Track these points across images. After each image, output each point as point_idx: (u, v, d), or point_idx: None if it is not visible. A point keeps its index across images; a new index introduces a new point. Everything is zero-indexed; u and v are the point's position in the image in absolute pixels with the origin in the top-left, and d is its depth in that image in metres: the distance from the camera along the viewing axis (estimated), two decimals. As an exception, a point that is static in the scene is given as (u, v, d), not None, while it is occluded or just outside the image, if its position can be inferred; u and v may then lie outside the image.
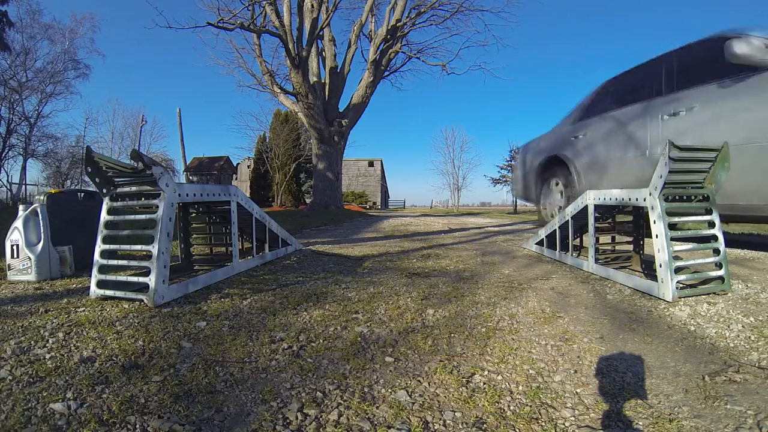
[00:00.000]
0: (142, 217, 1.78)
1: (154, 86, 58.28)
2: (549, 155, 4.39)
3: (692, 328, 1.47)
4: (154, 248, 1.64)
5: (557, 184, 4.27)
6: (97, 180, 1.76)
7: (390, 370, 1.17)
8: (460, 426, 0.91)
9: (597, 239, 2.35)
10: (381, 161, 34.68)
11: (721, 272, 1.81)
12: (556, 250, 2.76)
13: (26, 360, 1.14)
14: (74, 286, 1.98)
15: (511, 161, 32.41)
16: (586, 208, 2.32)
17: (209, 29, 8.55)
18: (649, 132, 3.15)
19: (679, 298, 1.73)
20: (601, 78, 4.57)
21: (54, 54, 19.57)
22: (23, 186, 19.28)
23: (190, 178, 28.98)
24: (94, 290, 1.72)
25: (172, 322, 1.48)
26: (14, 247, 2.07)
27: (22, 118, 18.87)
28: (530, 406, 0.99)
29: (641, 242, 2.43)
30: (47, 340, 1.27)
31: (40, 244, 2.09)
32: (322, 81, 10.95)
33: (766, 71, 2.39)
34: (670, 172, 1.71)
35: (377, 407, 0.98)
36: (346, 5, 11.96)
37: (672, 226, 1.77)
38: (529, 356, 1.28)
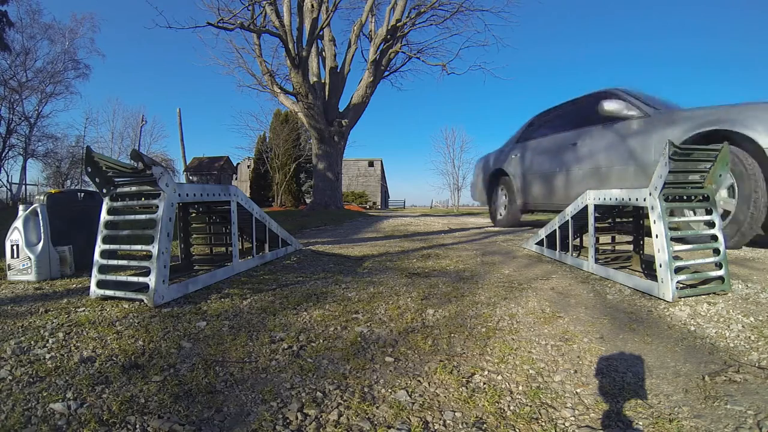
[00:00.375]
0: (142, 217, 1.78)
1: (154, 86, 58.13)
2: (496, 168, 5.66)
3: (692, 328, 1.47)
4: (154, 248, 1.64)
5: (502, 190, 5.64)
6: (97, 180, 1.76)
7: (390, 370, 1.17)
8: (460, 426, 0.91)
9: (597, 239, 2.35)
10: (381, 161, 34.71)
11: (721, 272, 1.81)
12: (556, 250, 2.77)
13: (26, 360, 1.14)
14: (74, 286, 1.98)
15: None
16: (586, 208, 2.32)
17: (209, 29, 8.56)
18: (561, 155, 4.37)
19: (679, 298, 1.73)
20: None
21: (54, 54, 19.61)
22: (23, 186, 19.30)
23: (190, 178, 28.98)
24: (94, 290, 1.72)
25: (172, 322, 1.48)
26: (14, 247, 2.07)
27: (22, 118, 18.89)
28: (530, 406, 0.99)
29: (641, 242, 2.43)
30: (47, 340, 1.27)
31: (40, 244, 2.09)
32: (322, 81, 10.94)
33: (624, 121, 3.58)
34: (669, 172, 1.71)
35: (377, 407, 0.98)
36: (346, 5, 11.97)
37: (672, 227, 1.77)
38: (529, 356, 1.28)
